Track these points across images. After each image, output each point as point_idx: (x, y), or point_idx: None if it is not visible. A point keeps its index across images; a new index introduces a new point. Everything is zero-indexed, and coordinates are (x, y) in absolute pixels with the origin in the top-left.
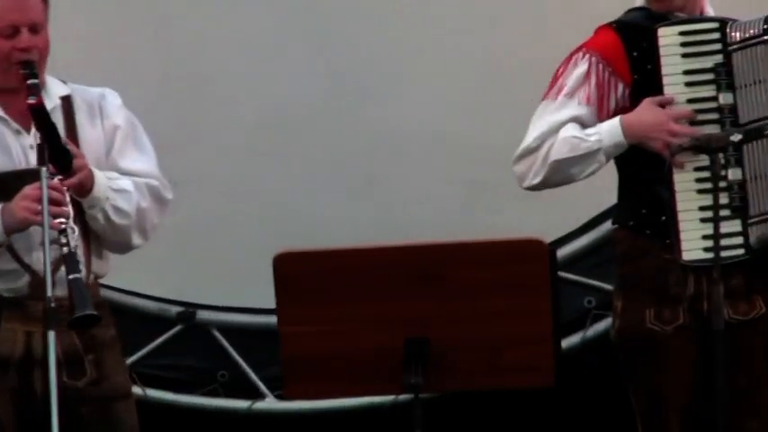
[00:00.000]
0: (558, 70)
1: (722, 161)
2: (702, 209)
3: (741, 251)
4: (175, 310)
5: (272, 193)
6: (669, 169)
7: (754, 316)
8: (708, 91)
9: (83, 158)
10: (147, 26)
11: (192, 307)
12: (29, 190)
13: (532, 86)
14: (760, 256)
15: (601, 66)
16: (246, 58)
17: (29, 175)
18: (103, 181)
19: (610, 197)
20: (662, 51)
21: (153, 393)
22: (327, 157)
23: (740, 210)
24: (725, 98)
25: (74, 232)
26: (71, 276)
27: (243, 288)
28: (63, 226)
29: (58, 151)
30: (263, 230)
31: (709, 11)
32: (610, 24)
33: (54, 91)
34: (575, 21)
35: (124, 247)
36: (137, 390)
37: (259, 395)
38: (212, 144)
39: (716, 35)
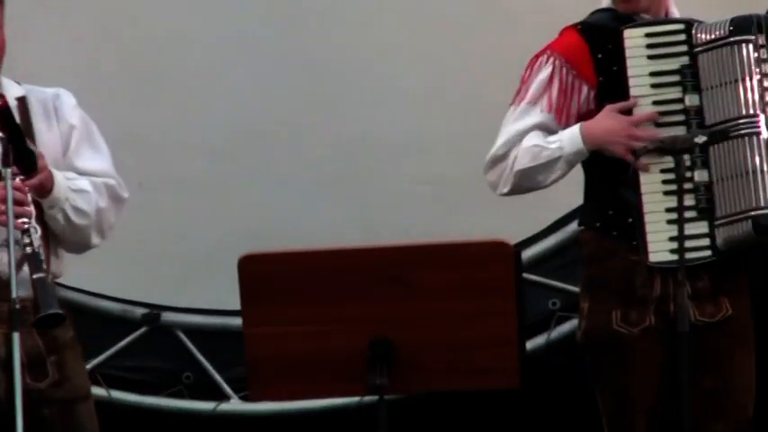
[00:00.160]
0: (524, 74)
1: (689, 163)
2: (669, 210)
3: (708, 253)
4: (140, 311)
5: (239, 195)
6: (634, 172)
7: (721, 318)
8: (674, 93)
9: (43, 159)
10: (114, 27)
11: (156, 309)
12: None
13: (501, 88)
14: (727, 257)
15: (564, 69)
16: (216, 58)
17: None
18: (63, 181)
19: (574, 199)
20: (628, 53)
21: (117, 395)
22: (295, 159)
23: (707, 211)
24: (691, 100)
25: (36, 232)
26: (35, 276)
27: (208, 290)
28: (26, 226)
29: (23, 152)
30: (229, 232)
31: (675, 12)
32: (575, 26)
33: (10, 92)
34: (545, 21)
35: (83, 246)
36: (101, 391)
37: (224, 396)
38: (179, 145)
39: (682, 37)
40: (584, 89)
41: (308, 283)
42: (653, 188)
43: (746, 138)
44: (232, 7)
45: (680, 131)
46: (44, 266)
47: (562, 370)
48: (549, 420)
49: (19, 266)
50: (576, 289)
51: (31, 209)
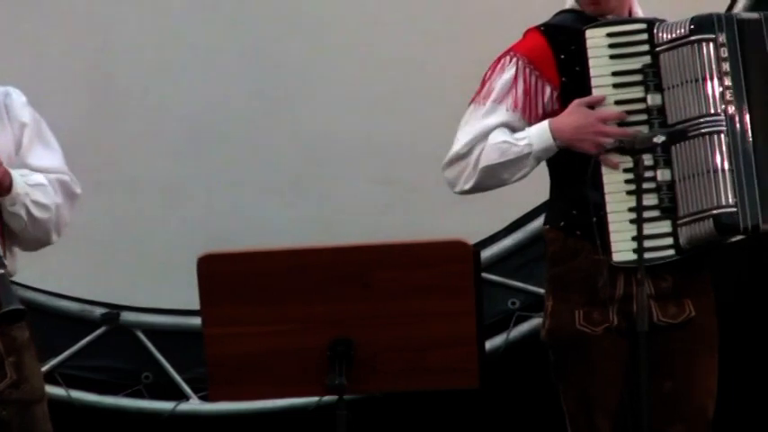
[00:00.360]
0: (486, 74)
1: (651, 162)
2: (632, 210)
3: (671, 252)
4: (99, 311)
5: (198, 195)
6: (594, 170)
7: (683, 319)
8: (636, 92)
9: None
10: (74, 28)
11: (115, 308)
12: None
13: (457, 88)
14: (690, 257)
15: (528, 70)
16: (174, 60)
17: None
18: (19, 178)
19: (534, 198)
20: (590, 53)
21: (77, 395)
22: (253, 159)
23: (669, 210)
24: (653, 99)
25: None
26: None
27: (167, 289)
28: None
29: None
30: (187, 232)
31: (638, 12)
32: (538, 27)
33: None
34: (495, 22)
35: (42, 242)
36: (61, 391)
37: (183, 396)
38: (138, 146)
39: (644, 36)
40: (548, 90)
41: (267, 282)
42: (616, 188)
43: (707, 137)
44: (191, 8)
45: (642, 131)
46: (4, 263)
47: (521, 369)
48: (509, 420)
49: None
50: (535, 289)
51: None
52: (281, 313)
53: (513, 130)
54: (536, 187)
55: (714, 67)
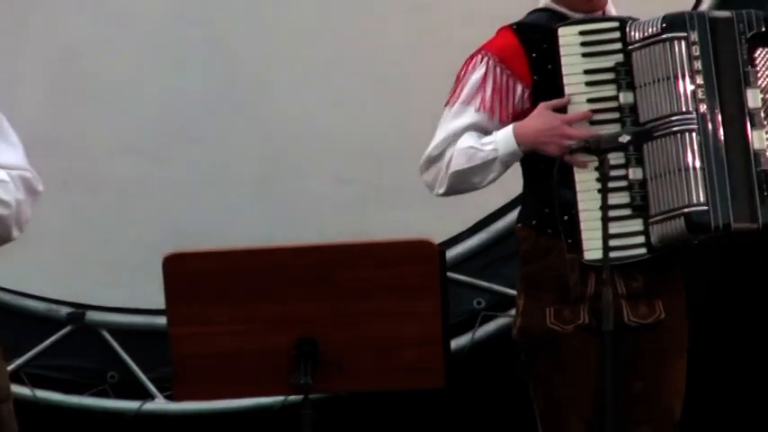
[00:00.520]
0: (458, 73)
1: (623, 161)
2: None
3: (642, 250)
4: (65, 310)
5: (164, 194)
6: (564, 169)
7: (653, 320)
8: (608, 90)
9: None
10: (33, 23)
11: (81, 308)
12: None
13: (424, 87)
14: (662, 256)
15: (498, 69)
16: (139, 57)
17: None
18: None
19: (499, 198)
20: (562, 51)
21: (42, 394)
22: (219, 158)
23: (641, 209)
24: (625, 97)
25: None
26: None
27: (133, 289)
28: None
29: None
30: (153, 231)
31: (612, 11)
32: (510, 26)
33: None
34: (460, 22)
35: (3, 239)
36: (26, 391)
37: (149, 396)
38: (103, 144)
39: (616, 34)
40: (519, 88)
41: (233, 282)
42: (588, 186)
43: (679, 135)
44: (156, 7)
45: (615, 129)
46: None
47: (487, 369)
48: (475, 420)
49: None
50: (500, 288)
51: None
52: (246, 313)
53: (483, 130)
54: (500, 187)
55: (686, 65)
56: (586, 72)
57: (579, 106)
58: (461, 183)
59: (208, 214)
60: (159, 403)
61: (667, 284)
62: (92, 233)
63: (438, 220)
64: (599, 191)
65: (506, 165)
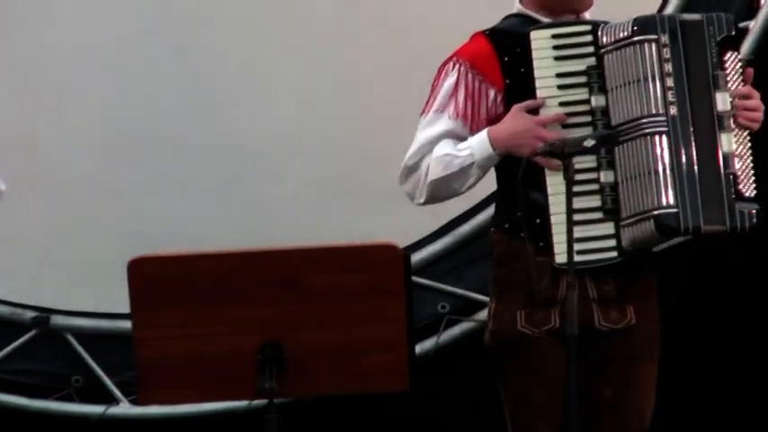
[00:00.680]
0: (434, 81)
1: (595, 164)
2: (575, 212)
3: (614, 254)
4: (29, 314)
5: (128, 197)
6: (524, 171)
7: (624, 325)
8: (580, 94)
9: None
10: (2, 25)
11: (46, 312)
12: None
13: (387, 90)
14: (635, 260)
15: (470, 75)
16: (104, 60)
17: None
18: None
19: (463, 202)
20: (534, 54)
21: (5, 398)
22: (183, 161)
23: (612, 212)
24: (597, 101)
25: None
26: None
27: (98, 293)
28: None
29: None
30: (118, 235)
31: (585, 14)
32: (483, 31)
33: None
34: (420, 25)
35: None
36: None
37: (113, 400)
38: (67, 146)
39: (588, 38)
40: (492, 93)
41: (198, 286)
42: (559, 189)
43: (649, 137)
44: (120, 7)
45: (586, 132)
46: None
47: (452, 373)
48: (440, 424)
49: None
50: (465, 292)
51: None
52: (211, 317)
53: (458, 137)
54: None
55: (656, 67)
56: (558, 75)
57: (551, 110)
58: (441, 190)
59: (173, 218)
60: (124, 407)
61: (640, 289)
62: (57, 237)
63: (403, 224)
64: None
65: (484, 169)
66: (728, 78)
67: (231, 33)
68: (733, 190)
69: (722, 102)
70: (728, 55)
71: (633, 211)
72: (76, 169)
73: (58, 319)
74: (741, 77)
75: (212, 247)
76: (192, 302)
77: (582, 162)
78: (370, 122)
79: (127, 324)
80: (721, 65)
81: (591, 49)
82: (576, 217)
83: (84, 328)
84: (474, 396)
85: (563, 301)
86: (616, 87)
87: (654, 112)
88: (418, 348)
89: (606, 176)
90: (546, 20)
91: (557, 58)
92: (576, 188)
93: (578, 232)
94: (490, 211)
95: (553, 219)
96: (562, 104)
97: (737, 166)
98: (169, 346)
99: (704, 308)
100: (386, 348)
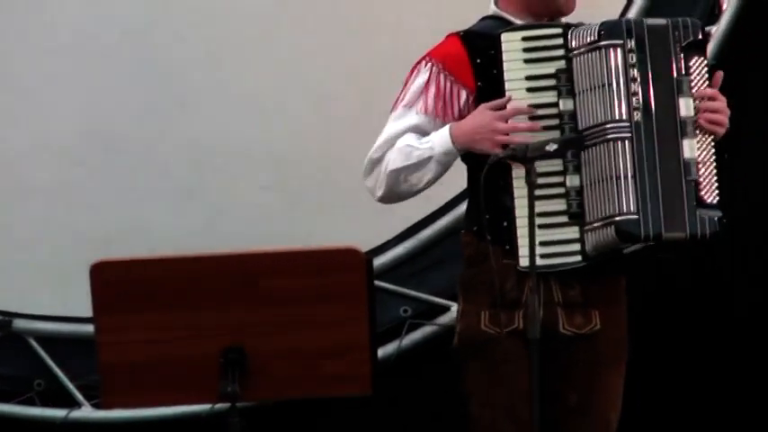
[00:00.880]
0: (405, 79)
1: (560, 168)
2: (540, 215)
3: (578, 258)
4: None
5: (89, 202)
6: (487, 173)
7: (588, 331)
8: (549, 97)
9: None
10: None
11: (8, 315)
12: None
13: (346, 95)
14: (603, 265)
15: (442, 75)
16: (65, 64)
17: None
18: None
19: (426, 206)
20: (504, 57)
21: None
22: (144, 166)
23: (577, 216)
24: (565, 104)
25: None
26: None
27: (60, 296)
28: None
29: None
30: (81, 238)
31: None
32: (457, 33)
33: None
34: (375, 28)
35: None
36: None
37: (76, 404)
38: (32, 151)
39: (559, 41)
40: (464, 94)
41: (160, 290)
42: (525, 193)
43: (612, 143)
44: (83, 12)
45: (554, 135)
46: None
47: (414, 376)
48: (402, 427)
49: None
50: (427, 296)
51: None
52: (173, 321)
53: (425, 132)
54: (428, 195)
55: (621, 73)
56: (528, 78)
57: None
58: (398, 183)
59: (135, 222)
60: (86, 411)
61: (607, 294)
62: (18, 240)
63: (365, 228)
64: (537, 197)
65: (443, 164)
66: (694, 83)
67: (193, 39)
68: (694, 196)
69: (685, 107)
70: (694, 60)
71: (596, 216)
72: (38, 172)
73: (20, 323)
74: (707, 82)
75: (175, 252)
76: (154, 306)
77: (549, 165)
78: (329, 127)
79: (89, 328)
80: (687, 70)
81: (561, 51)
82: (542, 221)
83: (46, 332)
84: (436, 400)
85: (527, 303)
86: (583, 91)
87: (618, 117)
88: (380, 352)
89: (572, 180)
90: (520, 22)
91: (527, 61)
92: (542, 192)
93: (543, 236)
94: (453, 214)
95: (518, 222)
96: (531, 107)
97: (701, 172)
98: (131, 350)
99: (669, 314)
100: (348, 352)
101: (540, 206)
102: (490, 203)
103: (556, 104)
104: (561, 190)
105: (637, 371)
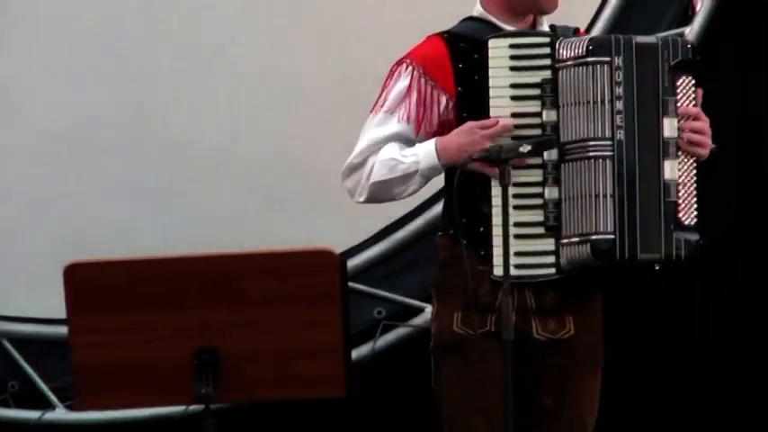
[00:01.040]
0: (385, 80)
1: (540, 179)
2: (517, 225)
3: (552, 270)
4: None
5: (64, 203)
6: (459, 178)
7: (562, 336)
8: (532, 107)
9: None
10: None
11: None
12: None
13: (323, 98)
14: (577, 276)
15: (423, 80)
16: (42, 65)
17: None
18: None
19: (400, 208)
20: (491, 63)
21: None
22: (120, 167)
23: (554, 229)
24: (548, 115)
25: None
26: None
27: (34, 298)
28: None
29: None
30: (55, 240)
31: (543, 24)
32: (441, 34)
33: None
34: (356, 32)
35: None
36: None
37: (49, 406)
38: (6, 152)
39: (546, 50)
40: (444, 99)
41: (135, 291)
42: (501, 202)
43: (593, 161)
44: (59, 15)
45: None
46: None
47: (387, 378)
48: (375, 429)
49: None
50: (401, 298)
51: None
52: (147, 322)
53: (406, 140)
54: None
55: (607, 91)
56: (512, 86)
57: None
58: (381, 192)
59: (110, 224)
60: (60, 413)
61: (581, 302)
62: None
63: (339, 230)
64: (514, 207)
65: (427, 178)
66: (680, 103)
67: (169, 41)
68: (673, 218)
69: (669, 128)
70: (682, 79)
71: (573, 232)
72: (13, 175)
73: None
74: (693, 102)
75: (149, 254)
76: (127, 308)
77: (528, 176)
78: (306, 130)
79: (63, 329)
80: (674, 89)
81: (548, 61)
82: (519, 231)
83: (20, 334)
84: (410, 402)
85: (499, 308)
86: (568, 104)
87: (600, 135)
88: (354, 354)
89: (551, 193)
90: (506, 25)
91: (513, 69)
92: (520, 201)
93: (519, 246)
94: (426, 216)
95: (494, 230)
96: (514, 116)
97: (680, 193)
98: (105, 352)
99: (653, 321)
100: (322, 354)
101: (516, 216)
102: (467, 209)
103: (539, 114)
104: (539, 201)
105: (622, 379)
